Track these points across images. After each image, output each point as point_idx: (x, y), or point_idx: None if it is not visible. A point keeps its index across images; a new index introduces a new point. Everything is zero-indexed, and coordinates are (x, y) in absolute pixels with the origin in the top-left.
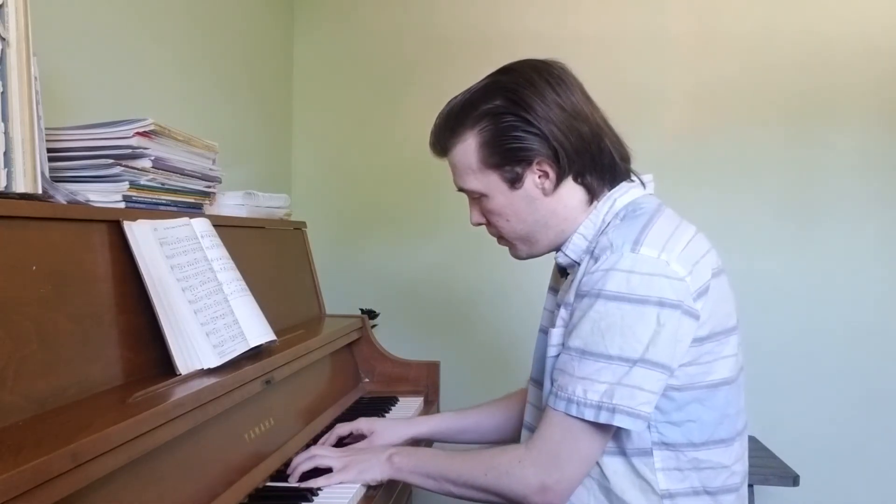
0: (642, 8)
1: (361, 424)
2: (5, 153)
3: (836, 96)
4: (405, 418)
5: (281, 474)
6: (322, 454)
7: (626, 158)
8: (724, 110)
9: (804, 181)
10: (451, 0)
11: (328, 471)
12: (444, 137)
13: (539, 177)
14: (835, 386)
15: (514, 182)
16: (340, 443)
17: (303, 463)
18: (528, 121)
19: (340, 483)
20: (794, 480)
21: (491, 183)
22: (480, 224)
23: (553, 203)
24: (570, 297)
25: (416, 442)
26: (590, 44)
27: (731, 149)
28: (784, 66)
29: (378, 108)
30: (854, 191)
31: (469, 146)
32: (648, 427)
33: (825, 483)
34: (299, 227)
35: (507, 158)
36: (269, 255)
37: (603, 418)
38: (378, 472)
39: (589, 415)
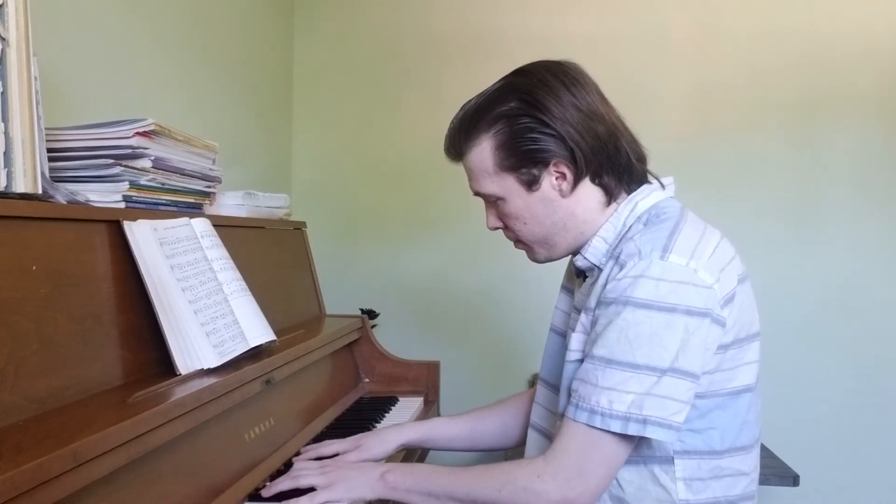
0: (642, 8)
1: (347, 444)
2: (5, 153)
3: (836, 97)
4: (394, 426)
5: (281, 474)
6: (305, 472)
7: (642, 159)
8: (723, 111)
9: (804, 182)
10: (452, 1)
11: (311, 490)
12: (458, 142)
13: (556, 178)
14: (835, 386)
15: (532, 184)
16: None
17: (283, 482)
18: (544, 122)
19: (326, 502)
20: (794, 480)
21: (507, 186)
22: (497, 228)
23: (571, 205)
24: (592, 302)
25: (408, 449)
26: (589, 44)
27: (731, 150)
28: (783, 67)
29: (378, 109)
30: (854, 191)
31: (484, 149)
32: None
33: (825, 483)
34: (299, 227)
35: (523, 160)
36: (269, 255)
37: (632, 430)
38: (369, 490)
39: (616, 426)
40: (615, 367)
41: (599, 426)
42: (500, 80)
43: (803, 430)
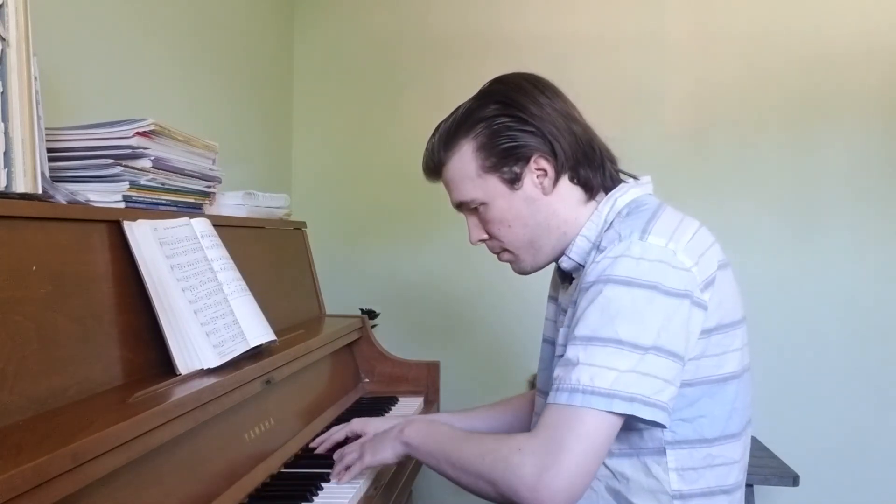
0: (642, 9)
1: (355, 426)
2: (5, 153)
3: (836, 97)
4: (401, 416)
5: (281, 474)
6: (349, 450)
7: (614, 161)
8: (723, 111)
9: (804, 182)
10: (452, 1)
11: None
12: (438, 153)
13: (538, 176)
14: (835, 386)
15: (514, 182)
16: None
17: (338, 465)
18: (523, 119)
19: (362, 470)
20: (794, 480)
21: (490, 187)
22: (481, 240)
23: (553, 202)
24: (575, 294)
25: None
26: (589, 45)
27: (731, 150)
28: (784, 66)
29: (378, 109)
30: (854, 191)
31: (465, 154)
32: (648, 422)
33: (825, 483)
34: (299, 227)
35: (504, 158)
36: (269, 255)
37: (618, 407)
38: (391, 451)
39: (599, 404)
40: (597, 344)
41: (580, 404)
42: (475, 94)
43: (803, 430)
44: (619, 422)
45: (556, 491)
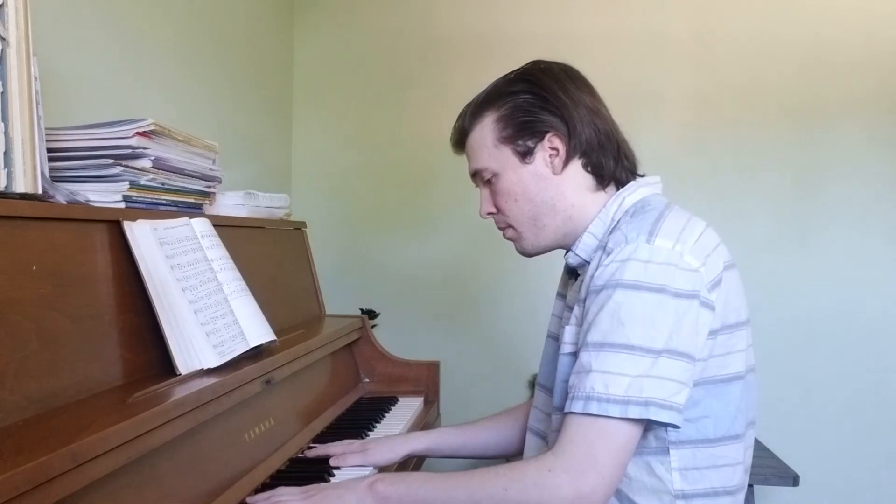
0: (643, 9)
1: (355, 446)
2: (5, 153)
3: (837, 97)
4: (400, 434)
5: (282, 474)
6: (286, 497)
7: (631, 160)
8: (724, 111)
9: (805, 182)
10: (452, 0)
11: None
12: (465, 122)
13: (549, 155)
14: (836, 386)
15: (526, 156)
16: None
17: (262, 503)
18: (546, 99)
19: None
20: (794, 480)
21: (503, 158)
22: (490, 213)
23: (562, 184)
24: (583, 293)
25: (412, 458)
26: (590, 44)
27: (732, 150)
28: (785, 66)
29: (378, 108)
30: (855, 191)
31: (487, 124)
32: (665, 425)
33: (825, 483)
34: (299, 227)
35: (520, 131)
36: (269, 255)
37: (633, 413)
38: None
39: (614, 411)
40: (609, 350)
41: (596, 412)
42: (508, 72)
43: (803, 430)
44: (640, 426)
45: (597, 500)
